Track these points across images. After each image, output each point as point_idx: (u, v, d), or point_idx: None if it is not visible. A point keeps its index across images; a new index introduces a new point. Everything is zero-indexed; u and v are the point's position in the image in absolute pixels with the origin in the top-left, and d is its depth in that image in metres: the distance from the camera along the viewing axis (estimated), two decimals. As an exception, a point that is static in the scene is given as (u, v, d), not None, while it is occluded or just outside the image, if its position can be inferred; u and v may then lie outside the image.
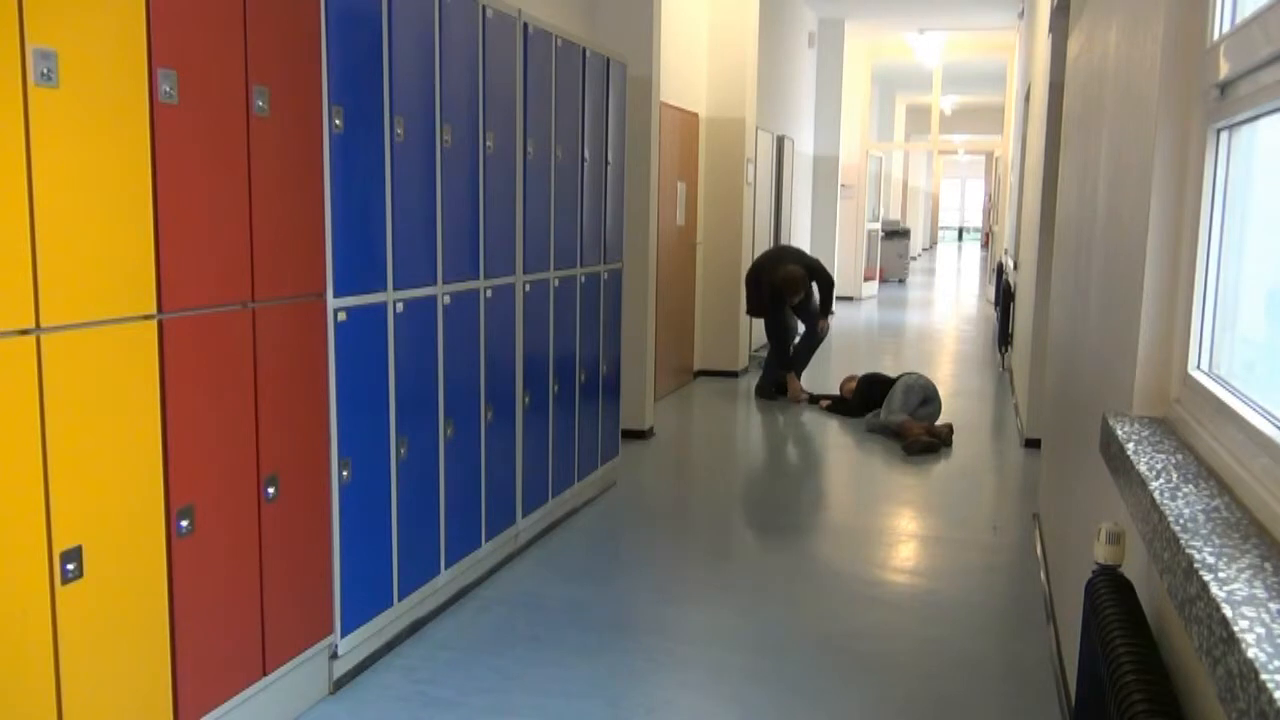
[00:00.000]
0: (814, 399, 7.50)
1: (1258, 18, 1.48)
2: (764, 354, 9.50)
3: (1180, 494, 1.42)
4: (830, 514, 5.01)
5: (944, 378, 9.05)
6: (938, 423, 6.56)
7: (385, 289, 3.09)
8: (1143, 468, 1.54)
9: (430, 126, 3.28)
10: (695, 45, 8.15)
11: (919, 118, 24.71)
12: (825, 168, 13.40)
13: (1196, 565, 1.15)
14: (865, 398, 7.00)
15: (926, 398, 6.67)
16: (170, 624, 2.33)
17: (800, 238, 12.31)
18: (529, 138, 4.00)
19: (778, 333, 7.69)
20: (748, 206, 8.74)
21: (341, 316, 2.89)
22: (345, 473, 2.93)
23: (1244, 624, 1.00)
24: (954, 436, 6.42)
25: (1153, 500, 1.40)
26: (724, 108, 8.46)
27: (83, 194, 2.06)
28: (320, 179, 2.79)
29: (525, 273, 4.04)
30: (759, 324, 10.07)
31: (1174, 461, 1.59)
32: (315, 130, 2.76)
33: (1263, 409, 1.46)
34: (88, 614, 2.12)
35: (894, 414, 6.54)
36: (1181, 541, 1.23)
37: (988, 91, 19.54)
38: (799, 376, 7.77)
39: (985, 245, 25.83)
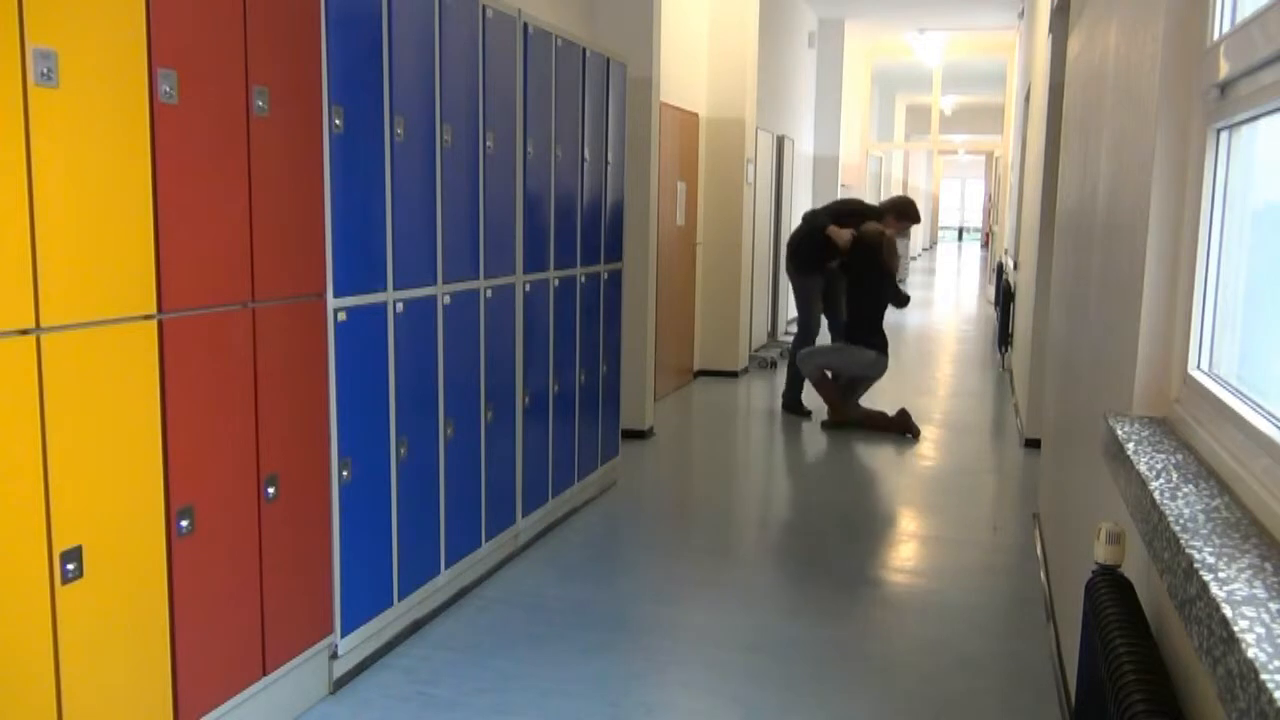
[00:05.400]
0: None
1: (1257, 18, 1.48)
2: (764, 354, 9.50)
3: (1180, 494, 1.42)
4: (830, 513, 5.00)
5: (944, 378, 9.05)
6: (893, 413, 6.55)
7: (385, 289, 3.09)
8: (1143, 468, 1.54)
9: (430, 126, 3.28)
10: (695, 45, 8.15)
11: (919, 118, 24.70)
12: (825, 168, 13.39)
13: (1196, 565, 1.15)
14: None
15: (854, 379, 6.66)
16: (170, 624, 2.33)
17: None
18: (529, 138, 4.00)
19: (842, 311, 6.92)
20: (748, 206, 8.73)
21: (341, 316, 2.89)
22: (345, 473, 2.93)
23: (1244, 624, 1.00)
24: (943, 434, 6.40)
25: (1153, 500, 1.40)
26: (724, 108, 8.46)
27: (83, 194, 2.06)
28: (320, 179, 2.79)
29: (525, 273, 4.04)
30: (759, 324, 10.06)
31: (1174, 461, 1.59)
32: (315, 130, 2.76)
33: (1263, 409, 1.45)
34: (88, 614, 2.12)
35: (810, 363, 6.62)
36: (1181, 541, 1.23)
37: (988, 91, 19.54)
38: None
39: (985, 245, 25.82)
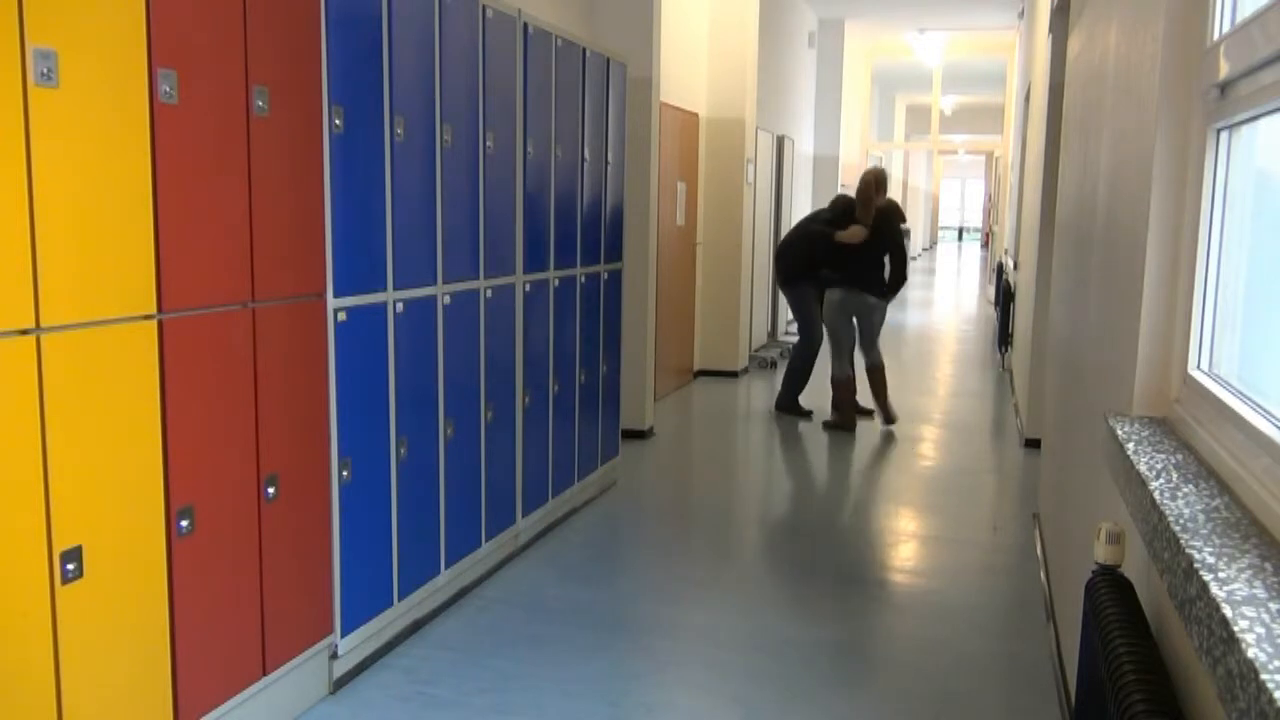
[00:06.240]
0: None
1: (1257, 18, 1.48)
2: (764, 354, 9.50)
3: (1180, 494, 1.42)
4: (830, 513, 5.00)
5: (944, 378, 9.06)
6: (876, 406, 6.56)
7: (385, 289, 3.09)
8: (1143, 468, 1.54)
9: (430, 126, 3.28)
10: (695, 45, 8.15)
11: (919, 118, 24.71)
12: (825, 168, 13.40)
13: (1196, 565, 1.15)
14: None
15: (858, 323, 6.60)
16: (170, 624, 2.33)
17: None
18: (529, 138, 4.00)
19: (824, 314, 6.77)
20: (748, 206, 8.73)
21: (341, 316, 2.89)
22: (345, 473, 2.93)
23: (1244, 624, 1.00)
24: (944, 434, 6.41)
25: (1153, 500, 1.40)
26: (724, 108, 8.46)
27: (83, 194, 2.06)
28: (320, 179, 2.79)
29: (525, 273, 4.04)
30: (759, 323, 10.06)
31: (1174, 461, 1.59)
32: (315, 130, 2.76)
33: (1263, 409, 1.45)
34: (88, 614, 2.12)
35: (842, 362, 6.59)
36: (1181, 541, 1.23)
37: (988, 91, 19.54)
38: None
39: (985, 245, 25.82)
